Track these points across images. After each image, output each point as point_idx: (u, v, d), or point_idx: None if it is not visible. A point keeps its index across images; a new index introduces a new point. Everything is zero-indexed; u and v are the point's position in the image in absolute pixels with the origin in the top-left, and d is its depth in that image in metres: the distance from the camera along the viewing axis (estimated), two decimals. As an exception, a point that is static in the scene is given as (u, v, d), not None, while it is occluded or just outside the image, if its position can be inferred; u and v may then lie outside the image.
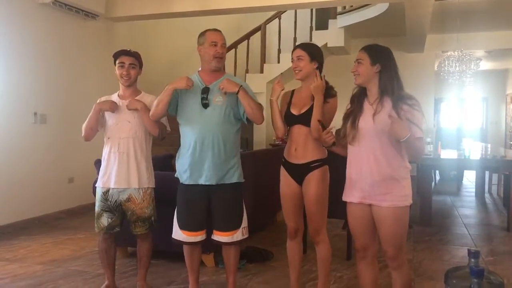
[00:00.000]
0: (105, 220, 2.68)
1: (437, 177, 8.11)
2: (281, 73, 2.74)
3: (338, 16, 6.75)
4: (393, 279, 2.16)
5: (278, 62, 6.84)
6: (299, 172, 2.44)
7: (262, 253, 3.47)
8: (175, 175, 2.56)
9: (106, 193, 2.67)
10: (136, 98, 2.70)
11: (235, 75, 5.98)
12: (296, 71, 2.45)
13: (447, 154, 5.51)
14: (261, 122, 2.50)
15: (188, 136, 2.48)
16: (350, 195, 2.14)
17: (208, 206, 2.51)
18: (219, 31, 2.55)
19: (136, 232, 2.73)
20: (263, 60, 6.89)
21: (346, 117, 2.16)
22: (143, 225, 2.71)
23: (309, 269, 3.19)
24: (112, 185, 2.65)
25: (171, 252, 3.13)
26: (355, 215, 2.15)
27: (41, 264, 3.40)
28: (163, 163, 3.46)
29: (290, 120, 2.48)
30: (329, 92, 2.41)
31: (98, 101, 2.73)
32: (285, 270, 2.83)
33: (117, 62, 2.70)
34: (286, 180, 2.50)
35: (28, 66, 4.64)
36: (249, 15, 6.71)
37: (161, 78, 5.63)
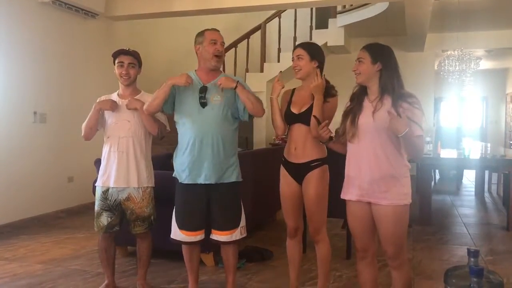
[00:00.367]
0: (104, 219, 2.68)
1: (437, 177, 8.11)
2: (281, 71, 2.72)
3: (338, 15, 6.75)
4: (393, 279, 2.16)
5: (278, 61, 6.84)
6: (299, 172, 2.44)
7: (261, 252, 3.47)
8: (173, 175, 2.56)
9: (105, 192, 2.67)
10: (136, 97, 2.70)
11: (235, 74, 5.99)
12: (296, 70, 2.45)
13: (447, 154, 5.51)
14: (262, 114, 2.50)
15: (187, 134, 2.47)
16: (348, 193, 2.15)
17: (207, 205, 2.50)
18: (218, 30, 2.56)
19: (135, 232, 2.73)
20: (263, 59, 6.88)
21: (345, 115, 2.16)
22: (143, 224, 2.71)
23: (309, 268, 3.19)
24: (111, 184, 2.65)
25: (171, 251, 3.12)
26: (355, 215, 2.15)
27: (40, 263, 3.40)
28: (163, 162, 3.46)
29: (290, 118, 2.48)
30: (329, 92, 2.41)
31: (98, 100, 2.73)
32: (284, 269, 2.83)
33: (116, 61, 2.70)
34: (286, 180, 2.50)
35: (28, 65, 4.63)
36: (249, 14, 6.72)
37: (161, 77, 5.59)
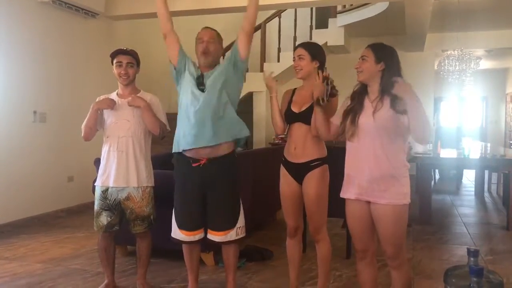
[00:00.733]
0: (104, 219, 2.68)
1: (437, 176, 8.11)
2: (272, 72, 2.73)
3: (338, 15, 6.75)
4: (393, 278, 2.16)
5: (278, 61, 6.84)
6: (299, 171, 2.44)
7: (261, 252, 3.47)
8: (173, 151, 2.54)
9: (105, 192, 2.67)
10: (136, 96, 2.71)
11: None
12: (297, 70, 2.46)
13: (447, 153, 5.51)
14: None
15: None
16: (347, 192, 2.15)
17: (204, 205, 2.50)
18: (209, 28, 2.59)
19: (135, 231, 2.73)
20: (263, 59, 6.88)
21: (346, 114, 2.16)
22: (142, 223, 2.71)
23: (309, 268, 3.19)
24: (111, 184, 2.65)
25: (171, 251, 3.13)
26: (354, 215, 2.15)
27: (40, 262, 3.40)
28: (163, 162, 3.45)
29: (290, 117, 2.48)
30: (330, 92, 2.41)
31: (97, 100, 2.73)
32: (284, 269, 2.83)
33: (114, 61, 2.70)
34: (286, 179, 2.50)
35: (28, 64, 4.63)
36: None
37: (161, 77, 5.64)
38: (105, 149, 2.71)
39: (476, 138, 10.45)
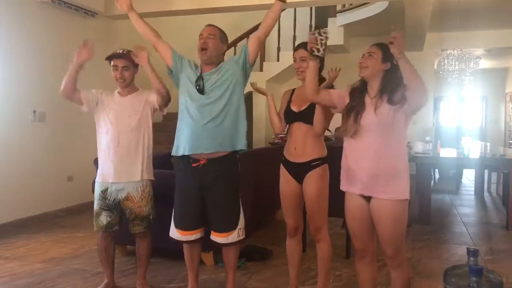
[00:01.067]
0: (104, 219, 2.68)
1: (436, 176, 8.12)
2: (253, 82, 2.73)
3: (337, 15, 6.75)
4: (393, 278, 2.16)
5: (278, 60, 6.84)
6: (299, 171, 2.44)
7: (261, 251, 3.47)
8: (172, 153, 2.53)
9: (104, 192, 2.67)
10: (135, 94, 2.75)
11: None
12: (299, 72, 2.45)
13: (447, 153, 5.51)
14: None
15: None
16: (352, 186, 2.13)
17: (203, 206, 2.49)
18: (210, 25, 2.58)
19: (134, 231, 2.73)
20: (262, 58, 6.88)
21: (347, 113, 2.14)
22: (142, 223, 2.71)
23: (309, 268, 3.19)
24: (111, 179, 2.65)
25: (171, 250, 3.13)
26: (354, 214, 2.15)
27: (40, 262, 3.40)
28: (163, 162, 3.45)
29: (289, 117, 2.48)
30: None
31: (100, 92, 2.81)
32: (284, 269, 2.83)
33: (111, 63, 2.72)
34: (286, 179, 2.50)
35: (27, 64, 4.62)
36: (248, 13, 6.67)
37: (161, 76, 5.62)
38: (105, 143, 2.69)
39: (475, 137, 10.43)
